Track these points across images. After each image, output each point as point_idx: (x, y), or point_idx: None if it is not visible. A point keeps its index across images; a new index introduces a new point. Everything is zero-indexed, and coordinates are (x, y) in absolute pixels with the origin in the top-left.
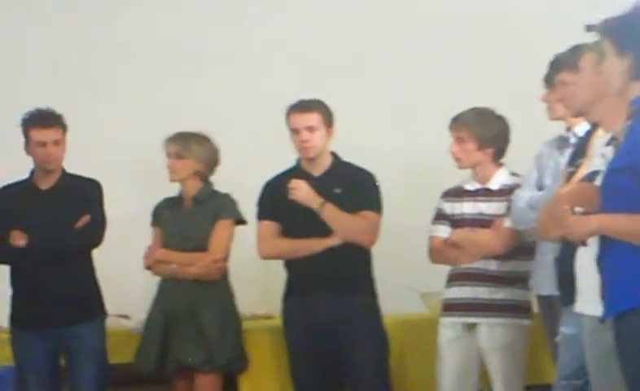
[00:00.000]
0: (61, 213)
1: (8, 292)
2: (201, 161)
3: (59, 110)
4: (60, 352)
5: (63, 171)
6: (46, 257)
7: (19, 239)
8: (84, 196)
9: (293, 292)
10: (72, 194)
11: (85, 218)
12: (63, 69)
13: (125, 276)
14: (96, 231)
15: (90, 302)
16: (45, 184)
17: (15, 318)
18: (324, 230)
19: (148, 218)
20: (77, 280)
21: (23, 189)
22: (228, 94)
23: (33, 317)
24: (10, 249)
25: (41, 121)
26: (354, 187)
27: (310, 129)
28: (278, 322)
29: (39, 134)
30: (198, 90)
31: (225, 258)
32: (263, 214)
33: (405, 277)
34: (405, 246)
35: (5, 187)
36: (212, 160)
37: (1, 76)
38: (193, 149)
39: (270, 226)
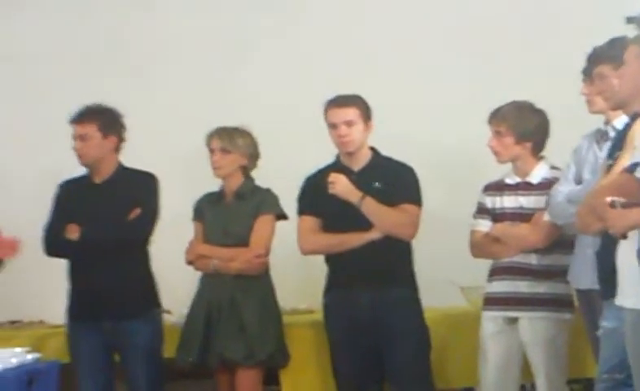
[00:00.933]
0: (113, 206)
1: (53, 287)
2: (245, 156)
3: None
4: (115, 347)
5: (120, 165)
6: (98, 250)
7: (72, 233)
8: (137, 189)
9: (334, 286)
10: (126, 187)
11: (136, 211)
12: (112, 64)
13: (166, 271)
14: (145, 224)
15: (145, 297)
16: (99, 178)
17: (71, 311)
18: (364, 224)
19: (189, 213)
20: (131, 274)
21: (80, 183)
22: (269, 88)
23: (88, 310)
24: (65, 243)
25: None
26: (394, 181)
27: (348, 123)
28: (318, 316)
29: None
30: (242, 85)
31: (267, 253)
32: (303, 209)
33: (446, 271)
34: (446, 240)
35: (65, 182)
36: (254, 155)
37: (55, 72)
38: (238, 143)
39: (311, 221)
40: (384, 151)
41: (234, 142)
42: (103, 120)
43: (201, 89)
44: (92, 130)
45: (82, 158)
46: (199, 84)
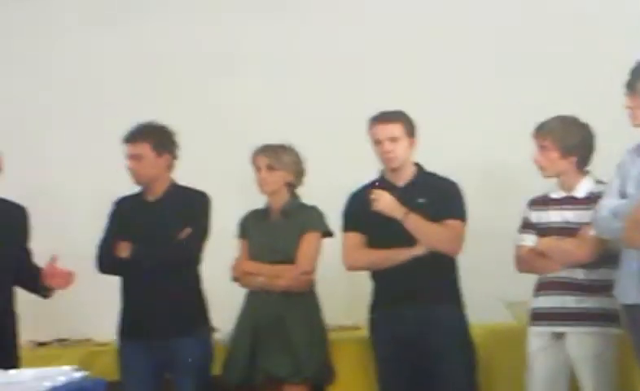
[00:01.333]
0: (164, 224)
1: (101, 305)
2: (292, 172)
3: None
4: (165, 365)
5: (172, 182)
6: (147, 269)
7: (122, 251)
8: (188, 208)
9: (379, 302)
10: (178, 205)
11: (186, 231)
12: (162, 82)
13: (213, 288)
14: (195, 244)
15: (195, 315)
16: (152, 196)
17: (121, 329)
18: (409, 240)
19: (234, 230)
20: (182, 293)
21: (134, 200)
22: (313, 105)
23: (139, 329)
24: (116, 261)
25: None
26: (438, 197)
27: (393, 140)
28: (365, 333)
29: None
30: (288, 101)
31: (313, 270)
32: (348, 226)
33: (492, 286)
34: (491, 255)
35: (120, 199)
36: (300, 171)
37: (105, 92)
38: (284, 160)
39: (355, 237)
40: (430, 166)
41: (279, 159)
42: (156, 139)
43: (249, 105)
44: (146, 150)
45: (136, 178)
46: (246, 100)
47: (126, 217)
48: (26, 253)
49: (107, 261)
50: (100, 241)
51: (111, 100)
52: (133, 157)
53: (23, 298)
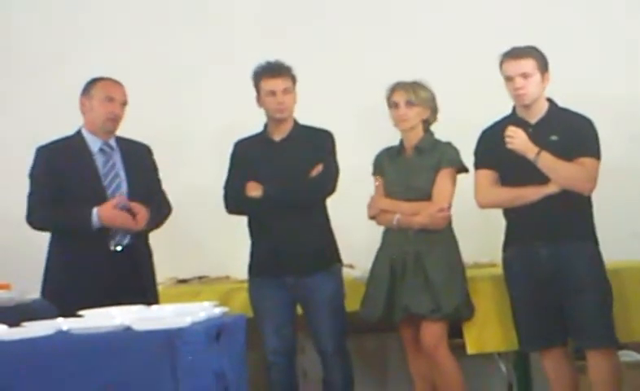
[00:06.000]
0: (294, 163)
1: (238, 243)
2: (428, 109)
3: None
4: (297, 301)
5: (295, 122)
6: (280, 207)
7: (253, 190)
8: (316, 146)
9: (513, 240)
10: (305, 144)
11: (318, 168)
12: (289, 18)
13: (348, 226)
14: (329, 181)
15: (326, 251)
16: (278, 135)
17: (253, 267)
18: (542, 178)
19: (370, 168)
20: (312, 230)
21: (258, 141)
22: (445, 41)
23: (270, 266)
24: (247, 200)
25: (271, 71)
26: (571, 134)
27: (524, 75)
28: (500, 270)
29: (269, 84)
30: (419, 38)
31: (450, 207)
32: (480, 163)
33: (627, 223)
34: (626, 191)
35: (241, 140)
36: (435, 108)
37: (237, 33)
38: (422, 96)
39: (488, 174)
40: (561, 100)
41: (418, 95)
42: (293, 76)
43: (377, 43)
44: (291, 84)
45: (285, 111)
46: (375, 37)
47: (253, 157)
48: (158, 187)
49: (236, 201)
50: (226, 182)
51: (242, 39)
52: (284, 91)
53: (163, 237)
